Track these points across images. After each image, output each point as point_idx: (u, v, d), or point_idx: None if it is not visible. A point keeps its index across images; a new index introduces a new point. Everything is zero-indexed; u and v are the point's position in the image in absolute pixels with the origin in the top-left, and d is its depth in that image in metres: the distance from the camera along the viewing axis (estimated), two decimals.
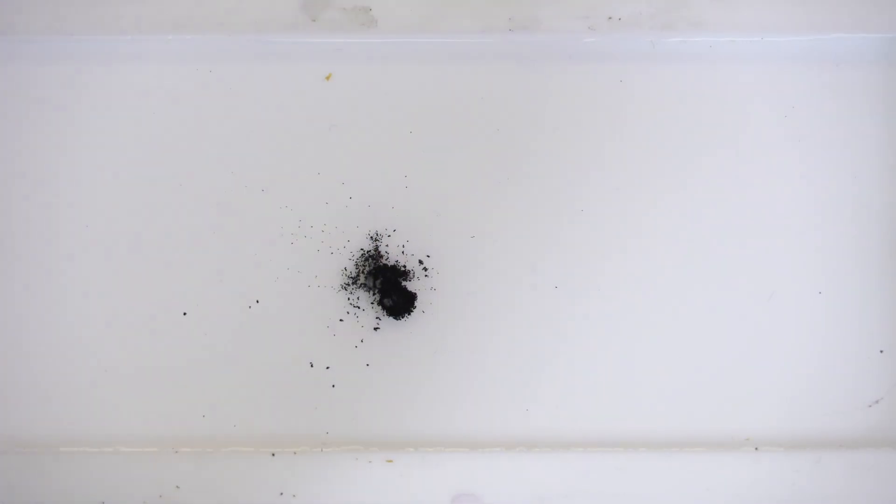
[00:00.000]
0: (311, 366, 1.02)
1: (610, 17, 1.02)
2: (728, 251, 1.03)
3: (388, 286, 1.01)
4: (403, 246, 1.03)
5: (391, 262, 1.01)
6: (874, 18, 1.02)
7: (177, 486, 0.98)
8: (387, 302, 1.01)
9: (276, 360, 1.02)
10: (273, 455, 0.99)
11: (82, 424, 1.00)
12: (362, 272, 1.02)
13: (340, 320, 1.02)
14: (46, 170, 1.03)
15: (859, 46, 1.04)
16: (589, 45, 1.04)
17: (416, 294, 1.01)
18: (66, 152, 1.03)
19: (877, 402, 1.01)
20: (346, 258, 1.03)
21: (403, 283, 1.01)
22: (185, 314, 1.02)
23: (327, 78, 1.04)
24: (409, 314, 1.01)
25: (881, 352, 1.02)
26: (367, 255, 1.02)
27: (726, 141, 1.04)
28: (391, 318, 1.01)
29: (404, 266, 1.02)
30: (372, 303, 1.01)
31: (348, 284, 1.02)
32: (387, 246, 1.03)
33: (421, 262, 1.03)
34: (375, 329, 1.02)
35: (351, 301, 1.02)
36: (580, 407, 1.01)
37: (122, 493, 0.98)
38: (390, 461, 0.99)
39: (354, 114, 1.04)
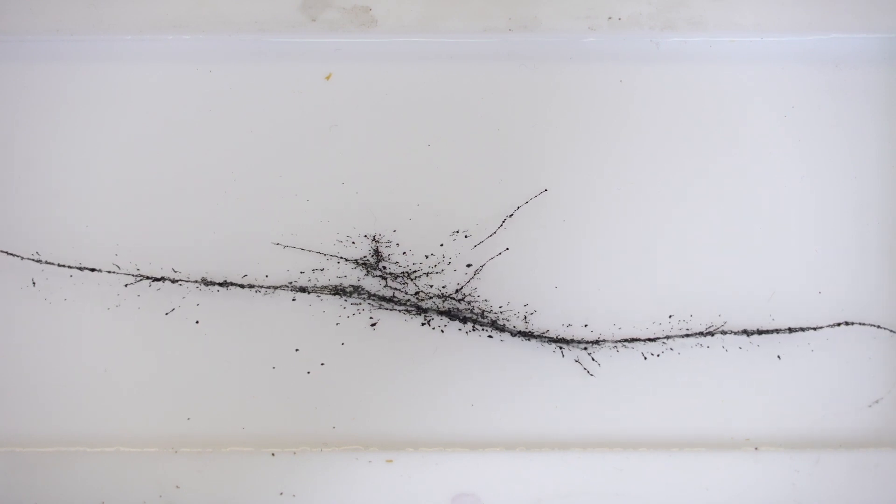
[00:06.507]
0: (310, 366, 1.02)
1: (610, 17, 1.02)
2: (728, 251, 1.03)
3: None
4: (402, 246, 1.03)
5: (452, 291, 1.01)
6: (874, 18, 1.02)
7: (177, 486, 0.98)
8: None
9: (275, 360, 1.02)
10: (273, 455, 0.99)
11: (82, 424, 1.00)
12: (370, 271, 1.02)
13: (340, 317, 1.02)
14: (46, 170, 1.03)
15: (859, 46, 1.04)
16: (589, 45, 1.04)
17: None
18: (64, 152, 1.03)
19: (877, 402, 1.01)
20: (345, 257, 1.03)
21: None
22: (197, 322, 1.02)
23: (327, 78, 1.04)
24: None
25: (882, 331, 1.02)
26: (366, 256, 1.03)
27: (726, 141, 1.04)
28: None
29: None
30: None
31: (348, 283, 1.02)
32: (387, 246, 1.03)
33: (420, 261, 1.03)
34: (372, 326, 1.02)
35: (350, 301, 1.02)
36: (580, 407, 1.01)
37: (122, 493, 0.98)
38: (390, 461, 0.99)
39: (354, 114, 1.04)
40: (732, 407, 1.01)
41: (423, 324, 1.02)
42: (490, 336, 1.02)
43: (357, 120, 1.04)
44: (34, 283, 1.02)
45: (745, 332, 1.01)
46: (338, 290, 1.02)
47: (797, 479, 0.99)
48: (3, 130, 1.03)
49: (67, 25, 1.02)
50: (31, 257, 1.02)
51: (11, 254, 1.02)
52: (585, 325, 1.02)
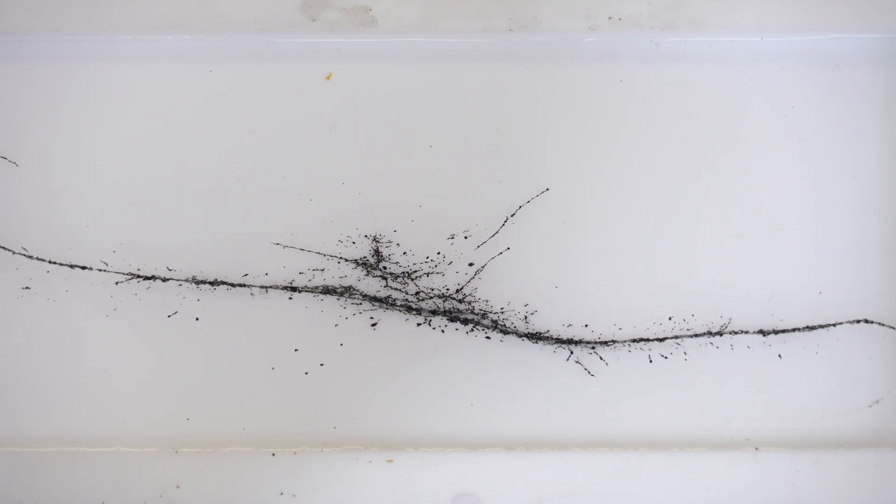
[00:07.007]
0: (310, 366, 1.02)
1: (610, 17, 1.02)
2: (728, 251, 1.03)
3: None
4: (403, 246, 1.03)
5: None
6: (874, 18, 1.02)
7: (177, 486, 0.98)
8: None
9: (276, 360, 1.02)
10: (273, 455, 0.99)
11: (82, 424, 1.00)
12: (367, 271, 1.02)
13: (340, 317, 1.02)
14: (46, 170, 1.03)
15: (859, 46, 1.04)
16: (589, 45, 1.04)
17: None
18: (64, 152, 1.03)
19: (877, 402, 1.01)
20: (345, 258, 1.03)
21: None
22: (197, 319, 1.02)
23: (327, 78, 1.04)
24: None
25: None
26: (366, 256, 1.03)
27: (726, 141, 1.04)
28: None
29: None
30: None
31: (347, 284, 1.02)
32: (387, 246, 1.03)
33: (420, 261, 1.03)
34: (373, 326, 1.02)
35: (351, 301, 1.02)
36: (580, 407, 1.01)
37: (122, 493, 0.98)
38: (390, 461, 0.99)
39: (354, 114, 1.04)
40: (732, 407, 1.01)
41: (421, 324, 1.02)
42: (488, 337, 1.02)
43: (357, 120, 1.04)
44: (29, 288, 1.02)
45: (762, 332, 1.01)
46: (327, 290, 1.02)
47: (797, 479, 0.99)
48: (3, 130, 1.03)
49: (67, 25, 1.02)
50: (22, 253, 1.01)
51: (4, 248, 1.02)
52: (586, 326, 1.02)
